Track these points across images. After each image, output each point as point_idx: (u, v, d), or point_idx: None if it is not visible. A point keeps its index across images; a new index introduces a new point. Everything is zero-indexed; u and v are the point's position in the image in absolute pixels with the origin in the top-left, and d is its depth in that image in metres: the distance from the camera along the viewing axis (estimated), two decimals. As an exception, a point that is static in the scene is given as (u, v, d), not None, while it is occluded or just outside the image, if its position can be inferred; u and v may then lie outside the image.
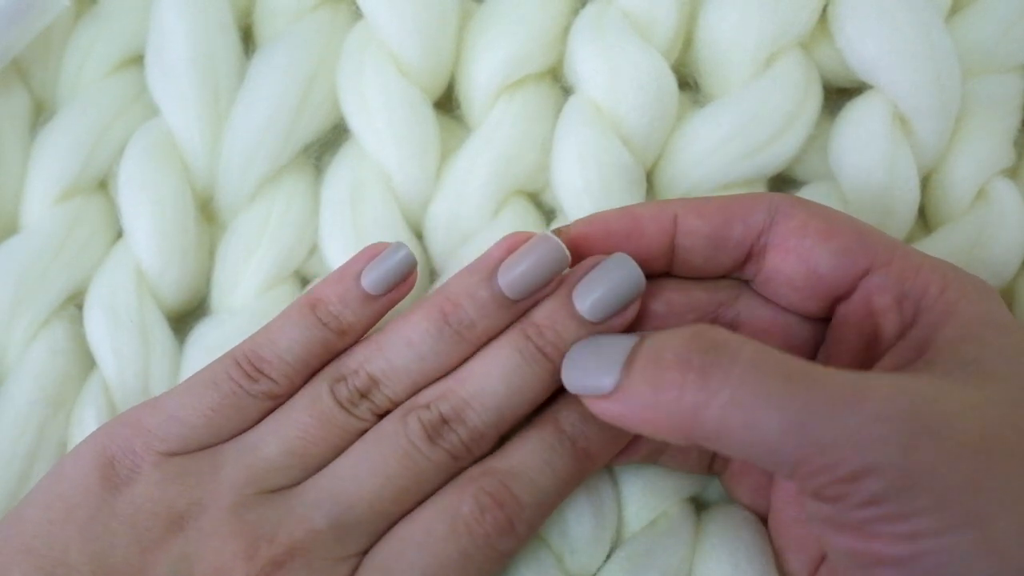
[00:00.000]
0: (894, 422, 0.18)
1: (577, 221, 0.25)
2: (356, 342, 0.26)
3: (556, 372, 0.24)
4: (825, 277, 0.24)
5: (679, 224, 0.25)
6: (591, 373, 0.22)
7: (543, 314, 0.25)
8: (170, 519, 0.24)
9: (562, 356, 0.24)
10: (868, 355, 0.24)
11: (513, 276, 0.25)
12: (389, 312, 0.27)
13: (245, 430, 0.25)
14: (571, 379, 0.23)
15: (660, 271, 0.26)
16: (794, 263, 0.24)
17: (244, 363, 0.25)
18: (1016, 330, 0.22)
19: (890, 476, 0.18)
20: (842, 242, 0.23)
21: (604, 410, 0.22)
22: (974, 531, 0.18)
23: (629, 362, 0.21)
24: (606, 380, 0.21)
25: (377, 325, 0.27)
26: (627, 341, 0.22)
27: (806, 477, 0.19)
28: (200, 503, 0.24)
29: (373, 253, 0.26)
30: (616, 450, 0.26)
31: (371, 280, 0.26)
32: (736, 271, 0.26)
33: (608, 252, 0.25)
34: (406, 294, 0.27)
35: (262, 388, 0.25)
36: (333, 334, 0.26)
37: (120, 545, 0.24)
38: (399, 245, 0.26)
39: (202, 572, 0.23)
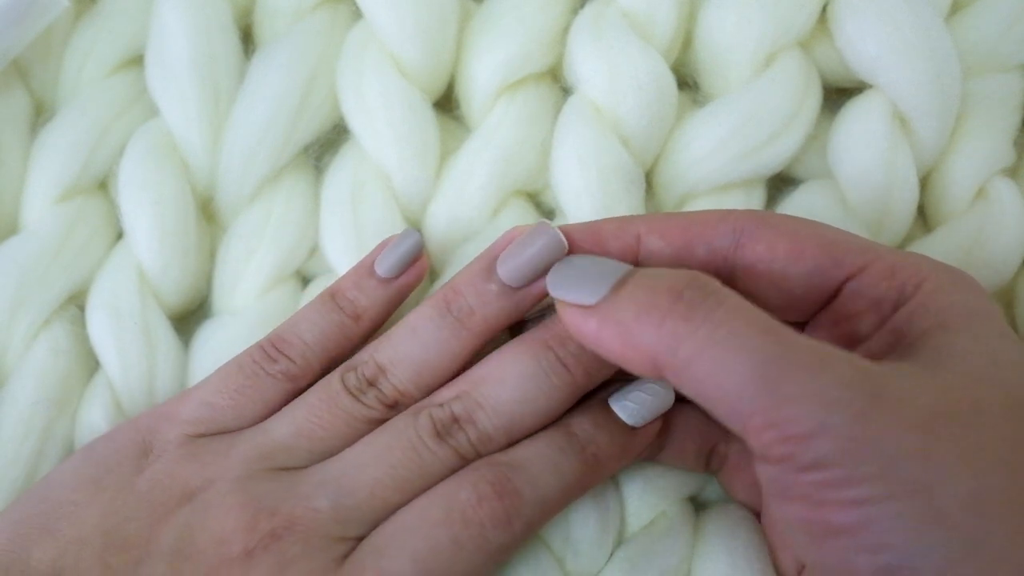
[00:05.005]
0: (850, 389, 0.19)
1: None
2: (373, 331, 0.28)
3: (574, 385, 0.25)
4: (800, 297, 0.24)
5: (641, 245, 0.25)
6: (579, 283, 0.22)
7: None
8: (183, 494, 0.25)
9: (583, 369, 0.25)
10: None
11: (511, 264, 0.25)
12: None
13: (267, 413, 0.26)
14: (556, 284, 0.23)
15: None
16: (766, 287, 0.24)
17: (267, 346, 0.27)
18: (988, 317, 0.22)
19: (838, 439, 0.18)
20: (812, 261, 0.23)
21: (580, 324, 0.22)
22: (920, 499, 0.18)
23: (620, 283, 0.22)
24: (593, 295, 0.22)
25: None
26: (624, 266, 0.22)
27: (757, 432, 0.19)
28: (211, 478, 0.25)
29: (387, 243, 0.28)
30: (626, 462, 0.26)
31: (383, 264, 0.27)
32: None
33: None
34: (418, 279, 0.28)
35: (280, 368, 0.26)
36: (348, 318, 0.27)
37: (133, 519, 0.24)
38: (410, 231, 0.28)
39: (203, 541, 0.23)
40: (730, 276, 0.24)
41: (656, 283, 0.21)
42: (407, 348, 0.26)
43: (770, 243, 0.23)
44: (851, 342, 0.23)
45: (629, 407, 0.25)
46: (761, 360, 0.19)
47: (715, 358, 0.19)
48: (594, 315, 0.21)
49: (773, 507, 0.21)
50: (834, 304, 0.24)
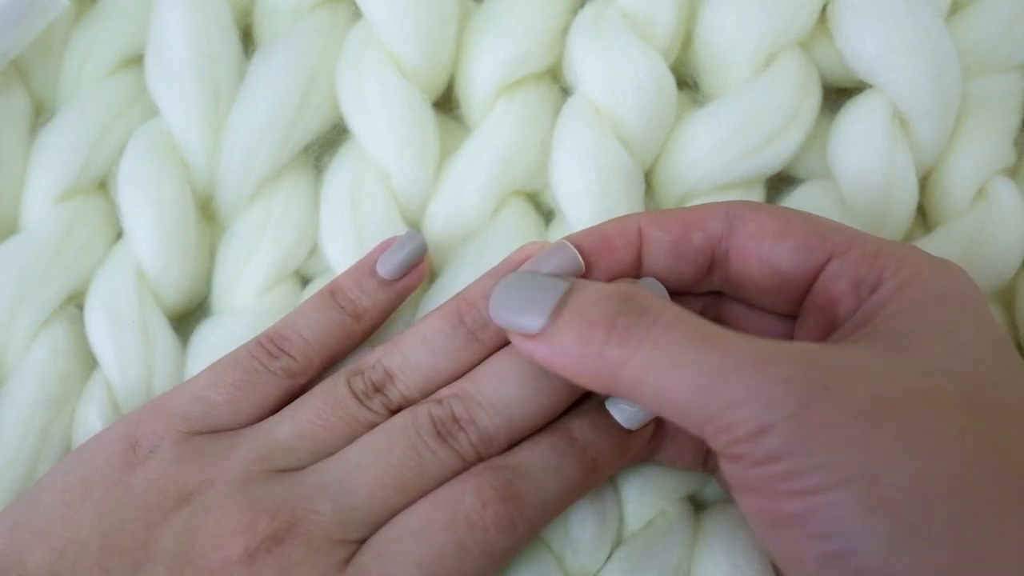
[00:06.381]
0: (790, 385, 0.19)
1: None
2: (373, 331, 0.28)
3: (574, 385, 0.25)
4: (787, 274, 0.24)
5: (643, 237, 0.25)
6: (521, 311, 0.22)
7: None
8: (180, 495, 0.24)
9: None
10: (824, 340, 0.24)
11: None
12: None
13: (265, 410, 0.26)
14: (499, 313, 0.23)
15: None
16: (756, 266, 0.24)
17: (266, 342, 0.27)
18: (967, 309, 0.22)
19: (784, 434, 0.19)
20: (798, 238, 0.24)
21: (531, 351, 0.22)
22: (862, 486, 0.18)
23: (558, 310, 0.22)
24: (535, 321, 0.22)
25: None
26: (559, 286, 0.23)
27: (713, 435, 0.20)
28: (210, 479, 0.24)
29: (388, 244, 0.28)
30: (624, 463, 0.26)
31: (385, 265, 0.27)
32: (703, 280, 0.26)
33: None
34: (419, 281, 0.28)
35: (280, 364, 0.26)
36: (349, 317, 0.27)
37: (129, 520, 0.24)
38: (413, 233, 0.28)
39: (202, 544, 0.23)
40: (724, 257, 0.25)
41: (589, 310, 0.22)
42: (417, 357, 0.26)
43: (760, 222, 0.24)
44: (832, 327, 0.24)
45: (626, 410, 0.25)
46: (703, 371, 0.20)
47: (656, 379, 0.20)
48: (541, 343, 0.22)
49: (737, 502, 0.21)
50: (817, 286, 0.24)
